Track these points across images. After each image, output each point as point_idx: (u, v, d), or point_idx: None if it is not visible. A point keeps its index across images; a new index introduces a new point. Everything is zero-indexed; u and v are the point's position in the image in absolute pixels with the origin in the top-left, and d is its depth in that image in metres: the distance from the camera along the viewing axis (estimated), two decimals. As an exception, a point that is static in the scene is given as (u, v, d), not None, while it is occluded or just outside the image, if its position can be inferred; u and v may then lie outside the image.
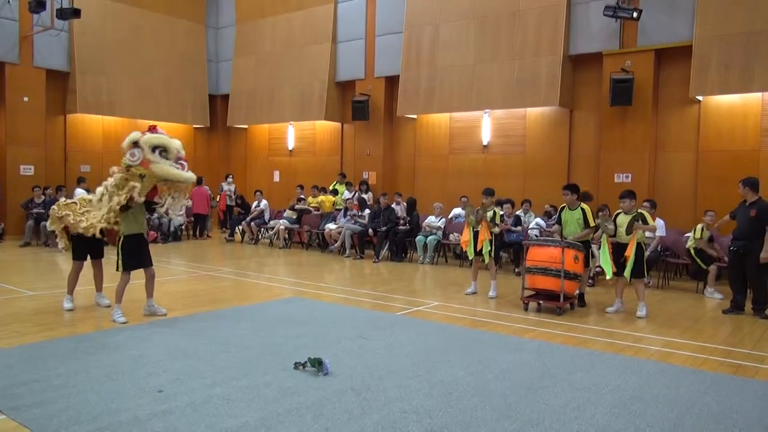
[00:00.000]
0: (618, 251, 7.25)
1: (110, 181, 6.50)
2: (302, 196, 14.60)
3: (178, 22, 17.35)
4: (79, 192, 11.35)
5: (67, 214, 6.56)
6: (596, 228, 7.75)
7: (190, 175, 6.40)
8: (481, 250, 8.05)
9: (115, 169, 6.54)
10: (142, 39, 16.51)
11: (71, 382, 4.36)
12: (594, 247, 8.49)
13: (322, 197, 14.36)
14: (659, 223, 9.69)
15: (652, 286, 9.18)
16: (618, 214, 7.55)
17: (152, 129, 6.44)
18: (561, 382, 4.57)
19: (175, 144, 6.40)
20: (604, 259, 7.22)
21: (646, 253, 7.55)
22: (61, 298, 7.09)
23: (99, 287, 7.12)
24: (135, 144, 6.19)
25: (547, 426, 3.74)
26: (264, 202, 15.09)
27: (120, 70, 15.90)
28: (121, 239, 6.41)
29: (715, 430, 3.74)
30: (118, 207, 6.31)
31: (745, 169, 9.75)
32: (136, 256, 6.47)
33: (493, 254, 8.21)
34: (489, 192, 8.33)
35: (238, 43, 17.84)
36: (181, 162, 6.37)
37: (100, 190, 6.62)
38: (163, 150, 6.22)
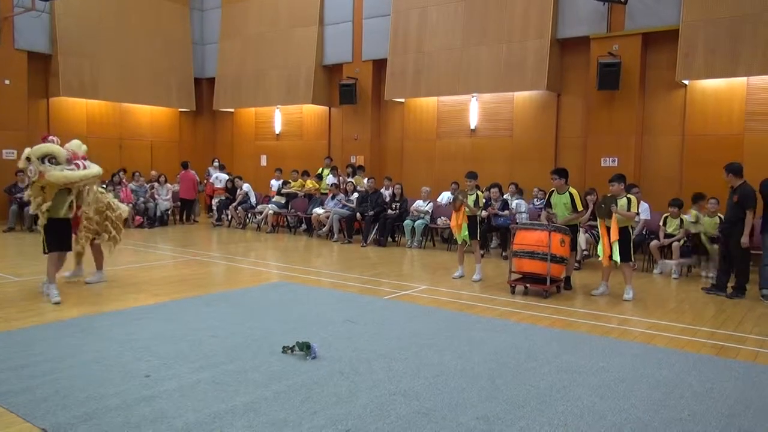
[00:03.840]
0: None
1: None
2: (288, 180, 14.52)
3: (162, 3, 17.05)
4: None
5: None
6: (584, 212, 7.79)
7: (85, 173, 6.53)
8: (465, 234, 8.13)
9: None
10: (126, 21, 16.23)
11: (58, 367, 4.34)
12: (581, 231, 8.54)
13: (309, 181, 14.29)
14: (644, 206, 9.76)
15: (637, 269, 9.28)
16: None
17: (43, 139, 6.66)
18: (547, 364, 4.63)
19: (69, 146, 6.62)
20: (600, 246, 7.24)
21: (632, 237, 7.61)
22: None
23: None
24: (28, 159, 6.37)
25: (533, 407, 3.79)
26: (245, 185, 14.95)
27: (103, 52, 15.64)
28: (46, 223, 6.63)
29: (698, 410, 3.81)
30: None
31: (730, 152, 9.84)
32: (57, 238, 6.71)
33: (477, 237, 8.28)
34: (472, 175, 8.36)
35: (223, 26, 17.60)
36: (76, 162, 6.53)
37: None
38: (51, 157, 6.36)
